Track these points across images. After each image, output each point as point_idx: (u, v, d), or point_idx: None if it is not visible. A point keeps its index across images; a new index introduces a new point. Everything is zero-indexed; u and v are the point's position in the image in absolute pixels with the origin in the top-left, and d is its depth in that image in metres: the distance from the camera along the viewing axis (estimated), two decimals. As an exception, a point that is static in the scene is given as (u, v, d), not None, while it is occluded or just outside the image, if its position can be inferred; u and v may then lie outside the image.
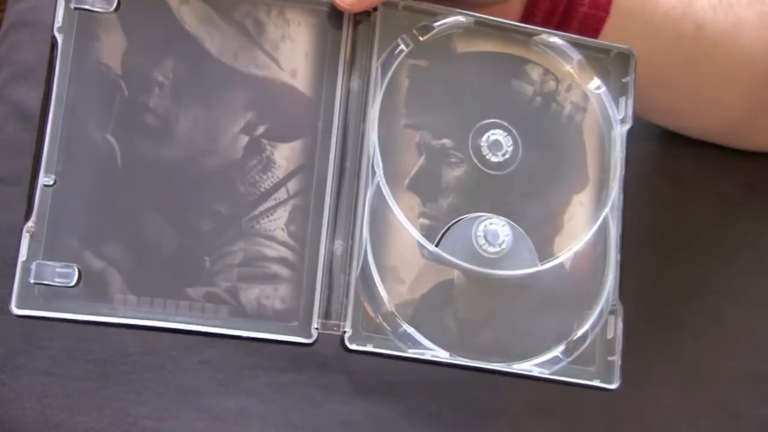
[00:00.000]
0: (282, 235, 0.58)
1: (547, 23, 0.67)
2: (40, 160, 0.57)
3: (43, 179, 0.57)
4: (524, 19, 0.67)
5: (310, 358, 0.72)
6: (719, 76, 0.74)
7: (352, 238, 0.58)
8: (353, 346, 0.57)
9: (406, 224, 0.58)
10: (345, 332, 0.57)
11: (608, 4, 0.67)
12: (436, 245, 0.59)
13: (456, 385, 0.71)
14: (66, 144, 0.57)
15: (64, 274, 0.56)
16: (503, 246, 0.59)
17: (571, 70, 0.62)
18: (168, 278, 0.57)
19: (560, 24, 0.67)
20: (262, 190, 0.58)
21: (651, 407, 0.73)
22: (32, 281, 0.56)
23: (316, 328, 0.57)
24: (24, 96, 0.78)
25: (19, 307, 0.56)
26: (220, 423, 0.71)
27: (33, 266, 0.56)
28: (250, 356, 0.72)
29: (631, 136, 0.73)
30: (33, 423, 0.70)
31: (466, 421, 0.71)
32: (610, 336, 0.60)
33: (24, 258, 0.56)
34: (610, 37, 0.68)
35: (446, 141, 0.60)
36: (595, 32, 0.68)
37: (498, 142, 0.60)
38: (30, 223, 0.56)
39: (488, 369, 0.58)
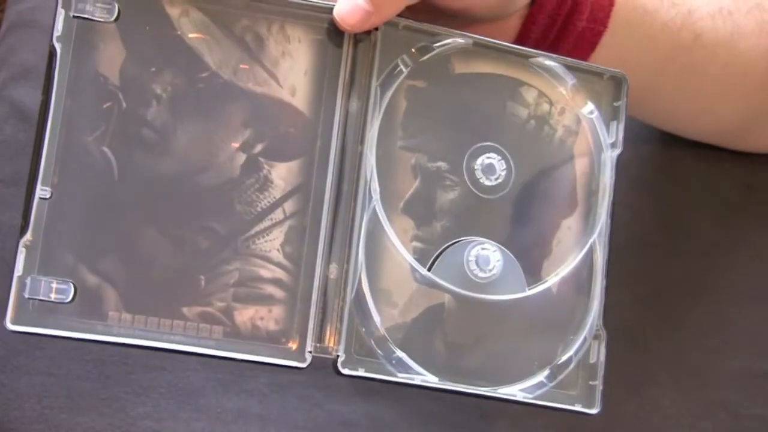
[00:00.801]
0: (277, 255, 0.58)
1: (544, 38, 0.67)
2: (37, 172, 0.56)
3: (40, 192, 0.56)
4: (522, 33, 0.67)
5: None
6: (717, 83, 0.74)
7: (347, 261, 0.59)
8: (345, 371, 0.58)
9: (399, 248, 0.59)
10: (338, 356, 0.58)
11: (606, 18, 0.68)
12: (429, 269, 0.59)
13: None
14: (62, 156, 0.57)
15: (60, 290, 0.56)
16: (494, 271, 0.60)
17: (565, 93, 0.63)
18: (163, 296, 0.57)
19: (557, 38, 0.68)
20: (259, 209, 0.59)
21: (651, 407, 0.74)
22: (27, 296, 0.56)
23: (310, 352, 0.58)
24: (23, 96, 0.78)
25: (13, 323, 0.56)
26: (220, 423, 0.71)
27: (28, 281, 0.56)
28: None
29: (631, 136, 0.74)
30: (33, 423, 0.70)
31: (466, 421, 0.72)
32: (593, 361, 0.61)
33: (20, 273, 0.56)
34: (605, 48, 0.68)
35: (441, 164, 0.61)
36: (592, 45, 0.68)
37: (492, 165, 0.61)
38: (26, 237, 0.56)
39: (475, 394, 0.59)
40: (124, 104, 0.58)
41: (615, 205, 0.63)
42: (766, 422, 0.74)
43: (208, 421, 0.71)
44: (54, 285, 0.56)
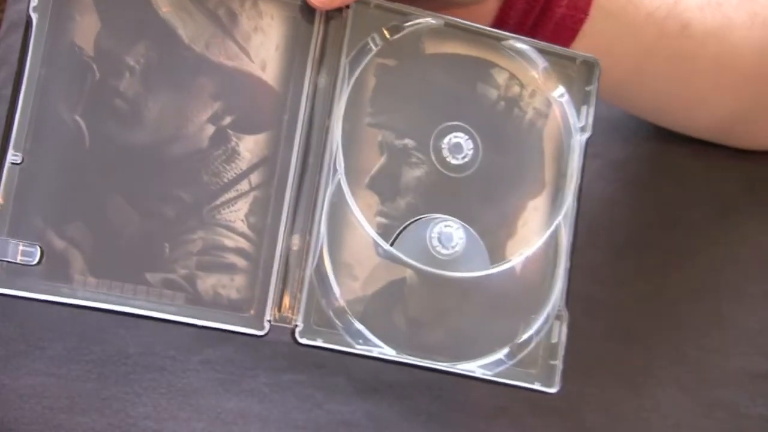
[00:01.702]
0: (241, 226, 0.59)
1: (522, 23, 0.67)
2: (9, 138, 0.58)
3: (11, 157, 0.58)
4: (499, 18, 0.67)
5: (310, 358, 0.72)
6: (707, 75, 0.74)
7: (310, 233, 0.59)
8: (303, 340, 0.58)
9: (362, 222, 0.60)
10: (296, 326, 0.59)
11: (588, 5, 0.68)
12: (391, 244, 0.60)
13: (456, 385, 0.72)
14: (35, 123, 0.58)
15: (27, 253, 0.57)
16: (456, 248, 0.61)
17: (536, 76, 0.63)
18: (128, 262, 0.59)
19: (536, 24, 0.68)
20: (225, 180, 0.60)
21: (651, 407, 0.74)
22: None
23: (269, 321, 0.59)
24: None
25: None
26: (221, 423, 0.71)
27: None
28: (250, 356, 0.73)
29: (630, 134, 0.75)
30: (33, 424, 0.70)
31: (466, 421, 0.73)
32: (554, 341, 0.62)
33: None
34: (588, 36, 0.69)
35: (408, 141, 0.61)
36: (572, 32, 0.68)
37: (459, 144, 0.62)
38: None
39: (432, 368, 0.60)
40: (98, 75, 0.59)
41: (582, 189, 0.64)
42: (767, 422, 0.75)
43: (208, 422, 0.71)
44: (21, 247, 0.57)
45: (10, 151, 0.58)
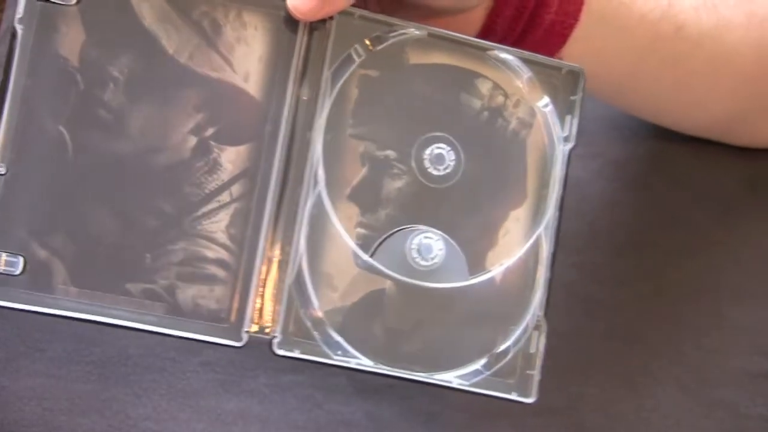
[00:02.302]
0: (222, 237, 0.60)
1: (510, 30, 0.67)
2: None
3: None
4: (487, 27, 0.67)
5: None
6: (703, 76, 0.74)
7: (290, 244, 0.60)
8: (281, 352, 0.59)
9: (342, 233, 0.60)
10: (275, 337, 0.59)
11: (578, 11, 0.68)
12: (371, 255, 0.61)
13: None
14: (19, 134, 0.59)
15: (9, 263, 0.58)
16: (435, 260, 0.61)
17: (521, 86, 0.63)
18: (109, 272, 0.59)
19: (525, 31, 0.68)
20: (207, 191, 0.60)
21: (651, 407, 0.74)
22: None
23: (247, 332, 0.60)
24: None
25: None
26: (221, 424, 0.71)
27: None
28: (250, 357, 0.72)
29: (630, 134, 0.74)
30: (33, 425, 0.70)
31: (467, 422, 0.73)
32: (532, 351, 0.62)
33: None
34: (579, 41, 0.68)
35: (390, 152, 0.62)
36: (563, 38, 0.68)
37: (441, 155, 0.62)
38: None
39: (409, 378, 0.61)
40: (82, 85, 0.60)
41: (564, 198, 0.64)
42: (767, 422, 0.75)
43: (208, 423, 0.71)
44: (4, 258, 0.58)
45: None
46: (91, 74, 0.60)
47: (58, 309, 0.59)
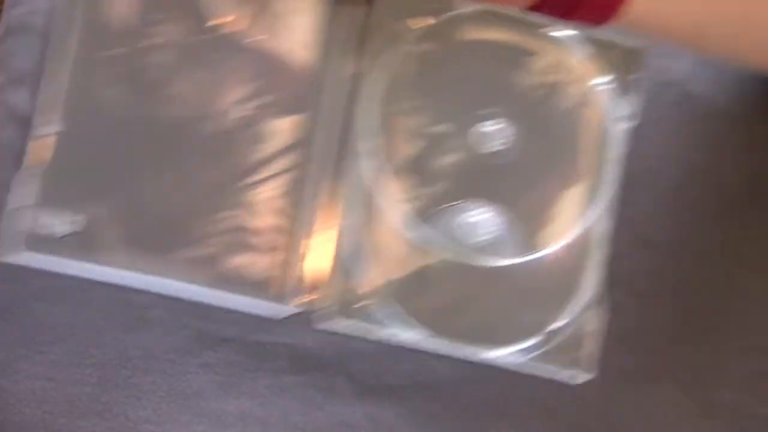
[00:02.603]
0: (271, 207, 0.60)
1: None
2: (44, 111, 0.59)
3: (42, 129, 0.58)
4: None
5: (310, 360, 0.72)
6: None
7: (340, 217, 0.60)
8: (323, 324, 0.59)
9: (392, 208, 0.60)
10: (320, 309, 0.59)
11: None
12: (422, 230, 0.60)
13: (456, 386, 0.72)
14: (76, 96, 0.59)
15: (63, 224, 0.58)
16: (488, 235, 0.61)
17: (578, 64, 0.64)
18: (158, 236, 0.59)
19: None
20: (257, 160, 0.60)
21: (651, 407, 0.74)
22: (34, 229, 0.58)
23: (293, 302, 0.59)
24: (21, 101, 0.75)
25: (9, 248, 0.58)
26: (221, 426, 0.72)
27: (30, 213, 0.58)
28: (250, 358, 0.72)
29: (630, 132, 0.74)
30: (33, 428, 0.71)
31: (466, 422, 0.73)
32: (590, 327, 0.62)
33: (15, 205, 0.58)
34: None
35: (444, 127, 0.62)
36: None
37: (495, 131, 0.62)
38: (31, 169, 0.59)
39: (460, 355, 0.61)
40: (131, 49, 0.59)
41: (629, 176, 0.65)
42: (767, 422, 0.74)
43: (208, 425, 0.71)
44: (59, 218, 0.58)
45: (45, 124, 0.58)
46: (142, 38, 0.59)
47: (110, 266, 0.59)
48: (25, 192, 0.59)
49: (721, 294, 0.76)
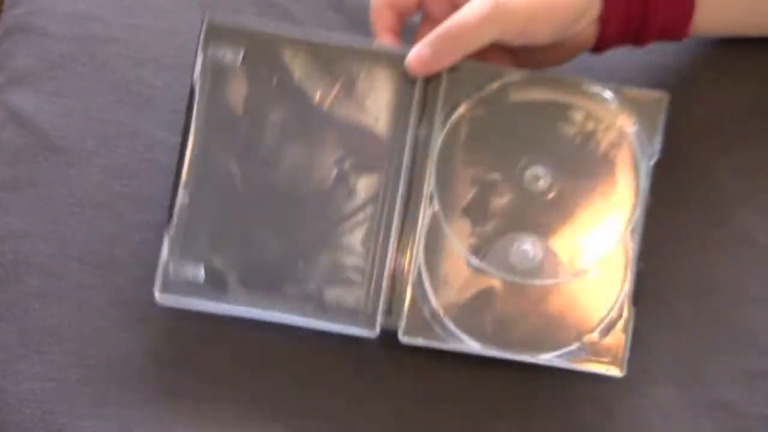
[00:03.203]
0: (359, 248, 0.74)
1: (626, 32, 0.75)
2: (179, 182, 0.74)
3: (182, 197, 0.73)
4: (602, 37, 0.76)
5: (309, 361, 0.75)
6: None
7: (412, 253, 0.74)
8: (406, 340, 0.72)
9: (455, 241, 0.73)
10: (400, 328, 0.73)
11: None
12: (481, 260, 0.73)
13: (456, 388, 0.75)
14: (199, 169, 0.74)
15: (194, 272, 0.73)
16: (535, 260, 0.73)
17: (610, 112, 0.74)
18: (271, 277, 0.74)
19: (641, 27, 0.74)
20: (346, 212, 0.74)
21: (651, 407, 0.75)
22: (171, 277, 0.73)
23: (380, 324, 0.73)
24: (21, 101, 0.79)
25: (162, 293, 0.72)
26: (221, 426, 0.73)
27: (171, 265, 0.73)
28: (250, 360, 0.75)
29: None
30: (33, 428, 0.71)
31: (467, 424, 0.75)
32: (621, 334, 0.72)
33: (165, 258, 0.73)
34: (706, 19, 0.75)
35: (495, 175, 0.74)
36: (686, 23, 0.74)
37: (539, 174, 0.74)
38: (171, 231, 0.73)
39: (517, 360, 0.72)
40: (246, 129, 0.75)
41: (651, 204, 0.72)
42: (767, 421, 0.74)
43: (209, 425, 0.73)
44: (190, 267, 0.73)
45: (180, 192, 0.74)
46: (253, 120, 0.75)
47: (232, 305, 0.73)
48: (165, 247, 0.72)
49: (720, 295, 0.77)
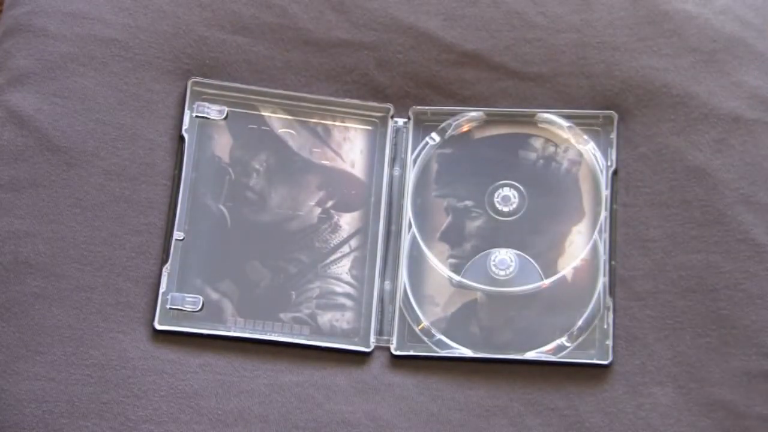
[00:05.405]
0: (347, 277, 0.79)
1: None
2: (174, 222, 0.78)
3: (176, 235, 0.78)
4: None
5: (309, 360, 0.75)
6: None
7: (397, 277, 0.79)
8: (398, 353, 0.76)
9: (436, 263, 0.78)
10: (392, 344, 0.77)
11: None
12: (462, 276, 0.78)
13: (456, 385, 0.75)
14: (191, 211, 0.79)
15: (192, 302, 0.77)
16: (511, 270, 0.78)
17: (567, 135, 0.80)
18: (266, 306, 0.78)
19: None
20: (332, 245, 0.79)
21: (651, 407, 0.74)
22: (169, 306, 0.77)
23: (372, 342, 0.77)
24: (20, 102, 0.78)
25: (160, 323, 0.76)
26: (221, 425, 0.72)
27: (169, 296, 0.77)
28: (249, 358, 0.75)
29: (627, 137, 0.80)
30: (33, 428, 0.71)
31: (466, 421, 0.74)
32: (605, 326, 0.75)
33: (163, 290, 0.77)
34: None
35: (467, 202, 0.80)
36: None
37: (508, 196, 0.79)
38: (167, 266, 0.77)
39: (505, 359, 0.75)
40: (233, 176, 0.80)
41: (615, 209, 0.77)
42: (766, 421, 0.73)
43: (209, 424, 0.72)
44: (187, 299, 0.77)
45: (175, 231, 0.78)
46: (239, 167, 0.80)
47: (229, 332, 0.76)
48: (163, 281, 0.75)
49: (720, 295, 0.76)
